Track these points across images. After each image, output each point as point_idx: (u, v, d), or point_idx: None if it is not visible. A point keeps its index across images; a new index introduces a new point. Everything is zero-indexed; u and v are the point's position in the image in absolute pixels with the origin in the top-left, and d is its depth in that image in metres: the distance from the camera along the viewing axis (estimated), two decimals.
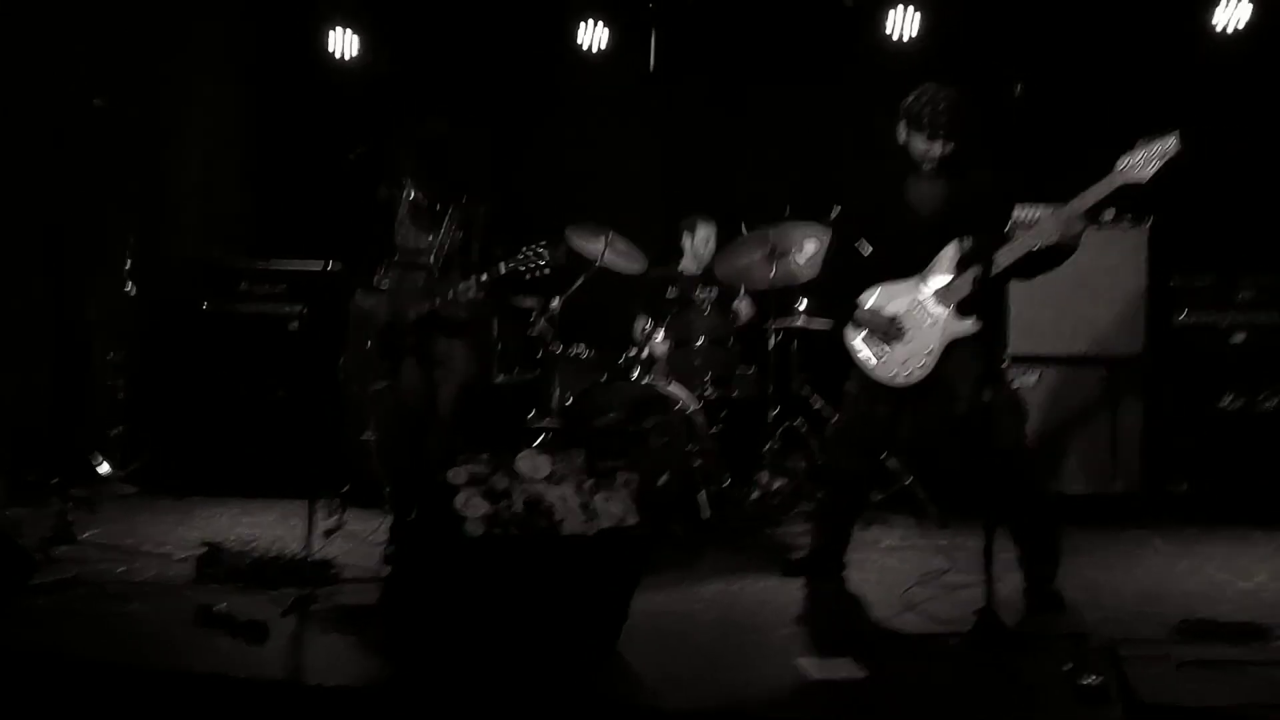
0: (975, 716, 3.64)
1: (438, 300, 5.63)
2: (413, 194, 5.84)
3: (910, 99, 5.00)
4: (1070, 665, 3.83)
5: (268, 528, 6.24)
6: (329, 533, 5.95)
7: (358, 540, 5.90)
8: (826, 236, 5.48)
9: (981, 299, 4.95)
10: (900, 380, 5.05)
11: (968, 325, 4.96)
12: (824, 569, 5.42)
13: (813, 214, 6.98)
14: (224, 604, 4.47)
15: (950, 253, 5.00)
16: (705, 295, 6.99)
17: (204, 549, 5.30)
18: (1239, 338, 6.97)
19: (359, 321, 5.97)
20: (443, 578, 4.10)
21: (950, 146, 4.96)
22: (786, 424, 7.06)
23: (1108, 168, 4.67)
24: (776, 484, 6.81)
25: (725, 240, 7.32)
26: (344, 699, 3.78)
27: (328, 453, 7.05)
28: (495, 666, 3.94)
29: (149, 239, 7.65)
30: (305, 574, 4.84)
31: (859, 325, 5.17)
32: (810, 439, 7.10)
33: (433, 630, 4.10)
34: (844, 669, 4.02)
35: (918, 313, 5.04)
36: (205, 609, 4.43)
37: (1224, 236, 7.30)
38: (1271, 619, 4.58)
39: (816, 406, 7.28)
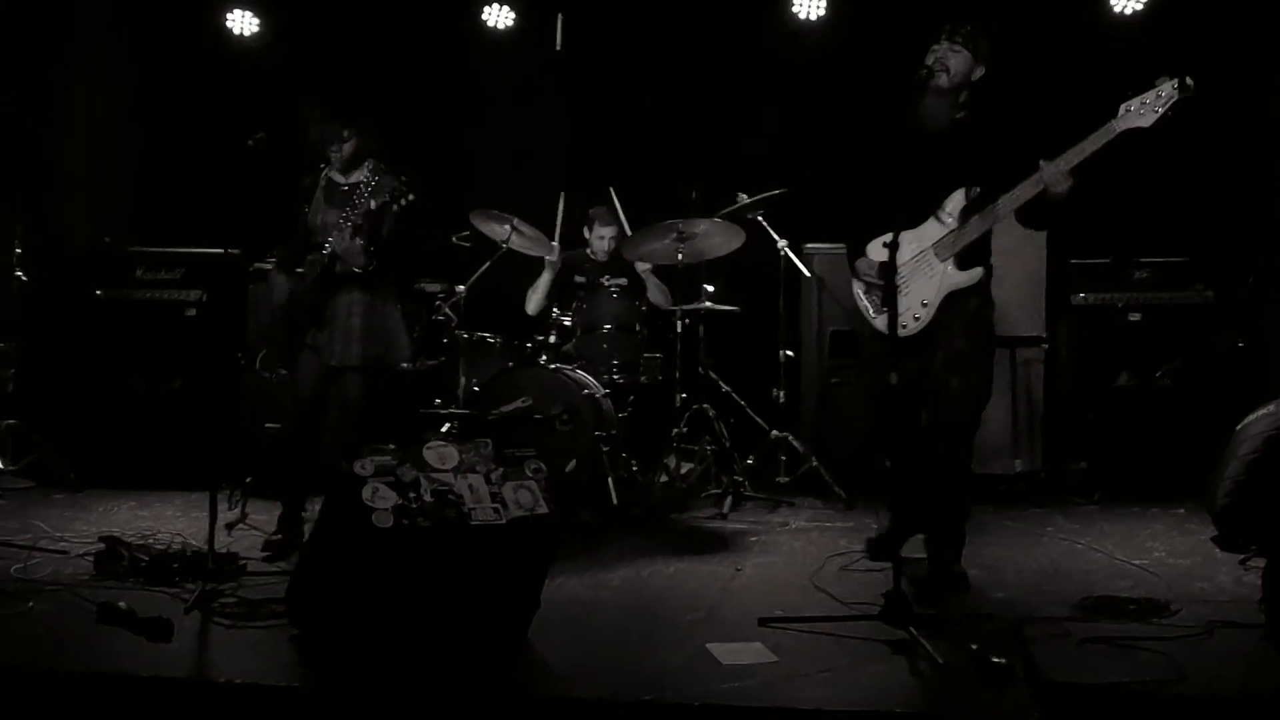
0: (883, 699, 3.67)
1: (324, 258, 5.44)
2: (327, 174, 5.68)
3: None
4: (976, 645, 3.88)
5: (168, 521, 6.12)
6: (231, 526, 5.85)
7: (262, 533, 5.80)
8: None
9: (984, 250, 4.93)
10: (901, 334, 4.85)
11: (966, 277, 4.90)
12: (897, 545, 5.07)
13: (719, 195, 7.00)
14: (124, 601, 4.36)
15: (957, 199, 4.88)
16: (613, 283, 6.98)
17: (102, 544, 5.17)
18: (1135, 317, 7.13)
19: (274, 305, 5.75)
20: (351, 570, 4.04)
21: (961, 59, 4.85)
22: (694, 408, 7.07)
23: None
24: (684, 468, 6.83)
25: (630, 225, 7.31)
26: (252, 696, 3.71)
27: (228, 443, 6.95)
28: (406, 659, 3.90)
29: (39, 225, 7.44)
30: (208, 568, 4.74)
31: (859, 277, 5.11)
32: (718, 423, 7.12)
33: (342, 624, 4.04)
34: (754, 653, 4.04)
35: (918, 264, 4.92)
36: (106, 606, 4.31)
37: (1121, 219, 7.45)
38: (1168, 594, 4.70)
39: (724, 390, 7.31)
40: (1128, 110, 4.57)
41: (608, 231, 7.45)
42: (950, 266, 4.91)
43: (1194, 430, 6.84)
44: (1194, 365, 7.05)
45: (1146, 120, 4.55)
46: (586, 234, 7.55)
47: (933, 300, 4.92)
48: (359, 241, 5.38)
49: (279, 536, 5.50)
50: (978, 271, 4.92)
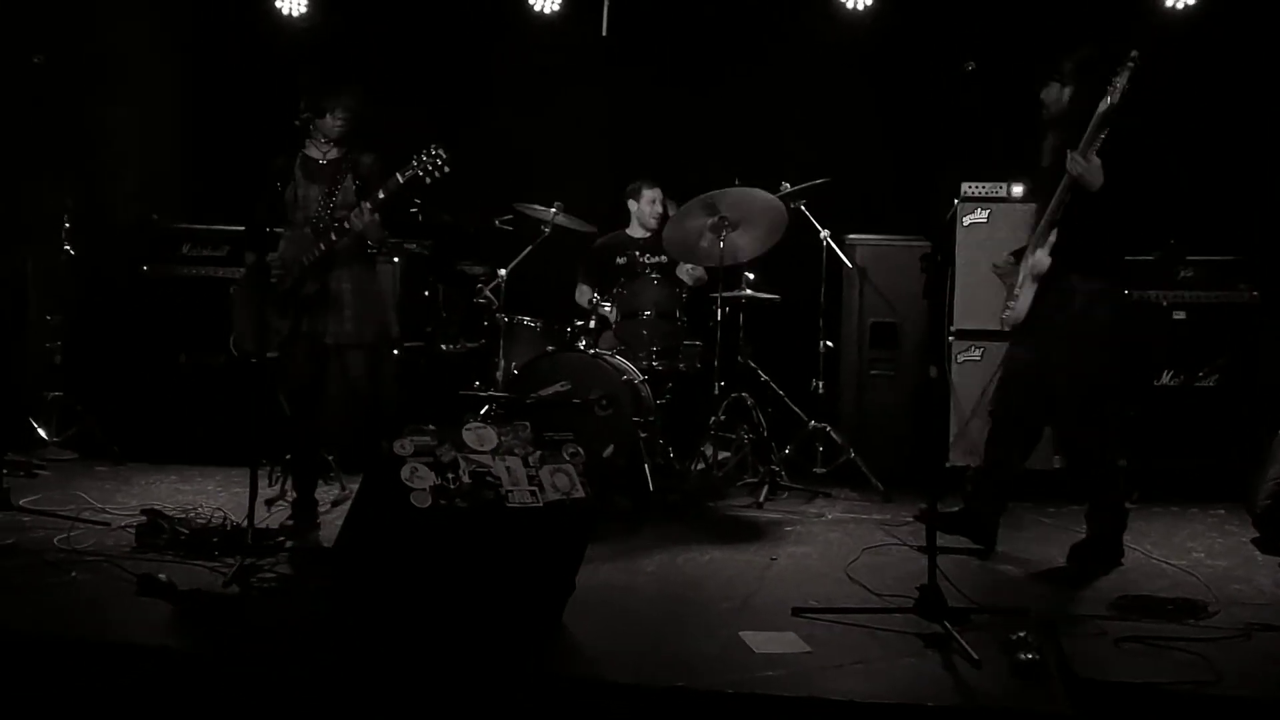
0: (916, 692, 3.67)
1: (332, 236, 5.41)
2: (305, 151, 5.64)
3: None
4: (1010, 640, 3.87)
5: (208, 496, 6.18)
6: (271, 502, 5.89)
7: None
8: None
9: (1069, 240, 5.14)
10: (1008, 322, 5.38)
11: (1042, 256, 5.17)
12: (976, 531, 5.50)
13: (762, 182, 6.97)
14: (164, 574, 4.41)
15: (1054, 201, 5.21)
16: (653, 262, 6.98)
17: (143, 517, 5.24)
18: (1180, 315, 7.07)
19: (254, 286, 5.60)
20: (389, 549, 4.07)
21: (1050, 91, 5.30)
22: (732, 397, 7.07)
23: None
24: (721, 457, 6.83)
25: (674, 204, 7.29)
26: (288, 670, 3.76)
27: (269, 420, 6.99)
28: (442, 637, 3.93)
29: (88, 200, 7.52)
30: (247, 543, 4.78)
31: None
32: (756, 412, 7.11)
33: (379, 602, 4.08)
34: (787, 643, 4.05)
35: (1026, 259, 5.33)
36: (146, 578, 4.37)
37: (1168, 216, 7.37)
38: (1206, 595, 4.67)
39: (763, 379, 7.30)
40: (1110, 90, 4.91)
41: (654, 194, 7.45)
42: (1039, 253, 5.19)
43: (1236, 431, 6.78)
44: (1237, 365, 6.98)
45: (1115, 97, 4.88)
46: (632, 206, 7.53)
47: (1023, 288, 5.24)
48: (378, 216, 5.37)
49: (291, 523, 5.54)
50: (1045, 256, 5.15)
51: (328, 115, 5.54)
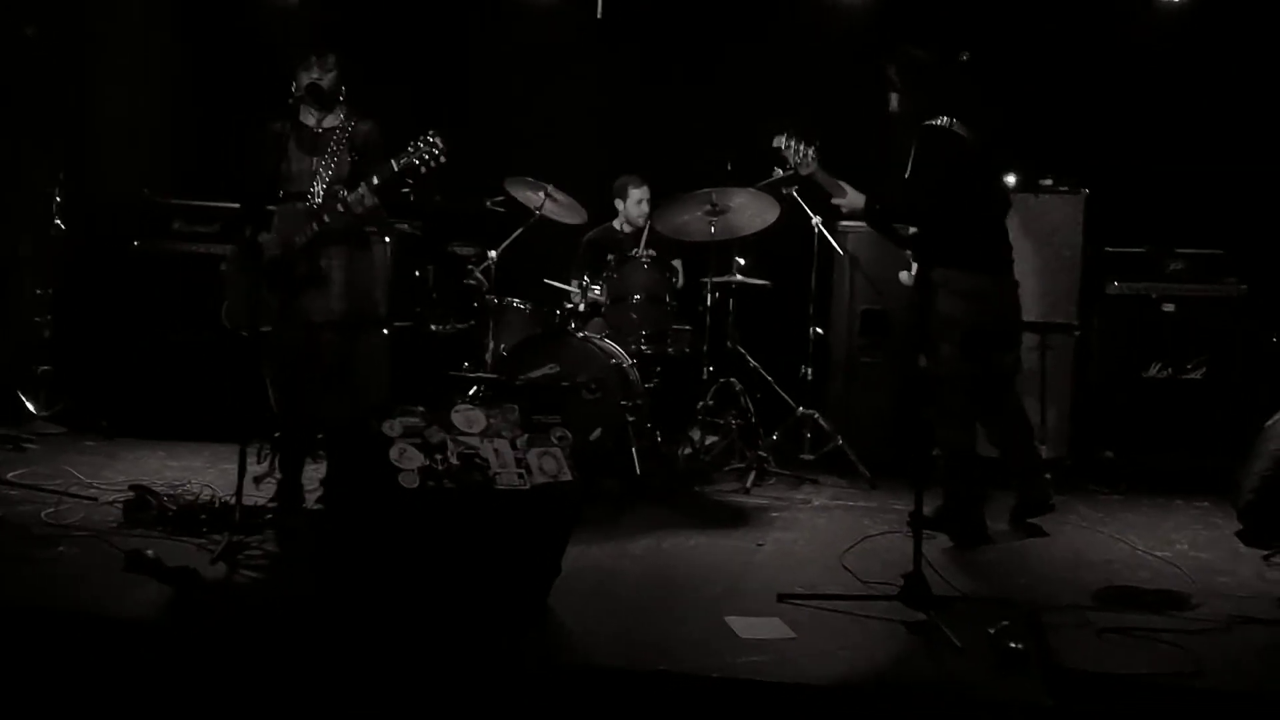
0: (899, 679, 3.69)
1: (326, 217, 5.28)
2: (299, 119, 5.49)
3: None
4: (994, 630, 3.89)
5: (196, 472, 6.18)
6: (259, 479, 5.88)
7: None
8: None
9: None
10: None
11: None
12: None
13: (755, 169, 6.97)
14: (151, 550, 4.41)
15: None
16: (644, 255, 6.98)
17: (131, 492, 5.24)
18: (1169, 308, 7.09)
19: (248, 260, 5.48)
20: (375, 529, 4.08)
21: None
22: (720, 382, 7.08)
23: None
24: (709, 441, 6.84)
25: (664, 196, 7.27)
26: (273, 648, 3.77)
27: (259, 397, 6.98)
28: (427, 619, 3.93)
29: (78, 174, 7.49)
30: (235, 520, 4.78)
31: None
32: (744, 397, 7.12)
33: (365, 581, 4.09)
34: (772, 628, 4.06)
35: None
36: (133, 554, 4.37)
37: (1159, 209, 7.39)
38: (1189, 587, 4.70)
39: (751, 365, 7.31)
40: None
41: (641, 193, 7.44)
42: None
43: (1222, 424, 6.82)
44: (1225, 358, 7.01)
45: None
46: (620, 205, 7.54)
47: None
48: (376, 200, 5.28)
49: (275, 504, 5.43)
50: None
51: (315, 69, 5.38)
